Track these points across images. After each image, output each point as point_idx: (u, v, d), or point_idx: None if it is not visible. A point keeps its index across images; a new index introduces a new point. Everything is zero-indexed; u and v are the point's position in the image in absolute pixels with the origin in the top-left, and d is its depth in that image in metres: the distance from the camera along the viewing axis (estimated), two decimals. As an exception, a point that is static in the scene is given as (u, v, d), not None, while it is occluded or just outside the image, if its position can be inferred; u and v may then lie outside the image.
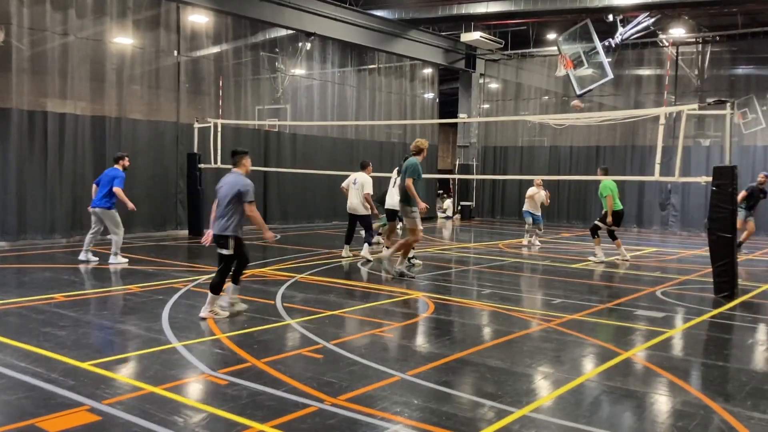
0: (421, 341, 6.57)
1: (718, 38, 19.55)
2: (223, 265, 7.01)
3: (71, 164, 13.35)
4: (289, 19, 16.82)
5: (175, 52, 15.47)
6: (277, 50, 18.29)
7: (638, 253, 14.00)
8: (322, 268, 10.71)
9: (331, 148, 19.31)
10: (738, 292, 8.95)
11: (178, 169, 15.41)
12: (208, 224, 7.47)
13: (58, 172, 13.14)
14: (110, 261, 10.43)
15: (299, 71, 18.97)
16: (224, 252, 6.95)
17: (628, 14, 18.36)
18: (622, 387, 5.04)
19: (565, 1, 17.73)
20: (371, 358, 5.60)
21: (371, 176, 12.01)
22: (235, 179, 6.98)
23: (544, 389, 5.04)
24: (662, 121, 9.76)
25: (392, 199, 11.35)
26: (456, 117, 23.03)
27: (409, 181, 9.48)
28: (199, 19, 16.01)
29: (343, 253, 11.95)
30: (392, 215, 11.50)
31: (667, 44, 19.97)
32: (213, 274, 7.10)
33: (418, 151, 9.83)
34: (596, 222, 12.50)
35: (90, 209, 10.59)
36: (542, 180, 15.24)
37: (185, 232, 15.33)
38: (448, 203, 24.68)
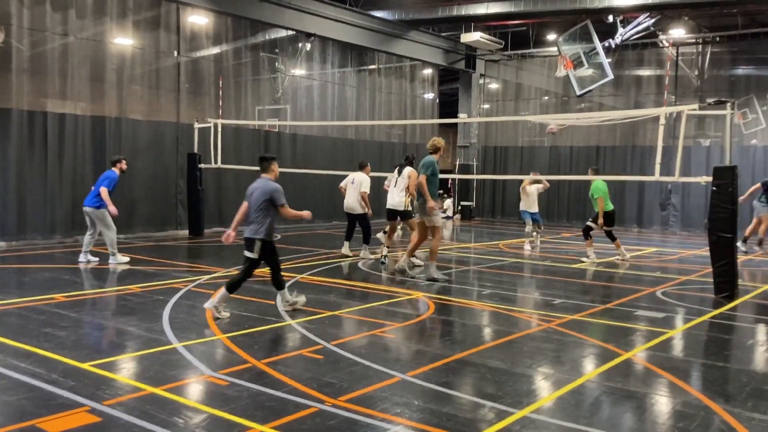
0: (421, 342, 6.57)
1: (718, 39, 19.55)
2: (246, 267, 7.10)
3: (71, 165, 13.35)
4: (289, 20, 16.82)
5: (175, 53, 15.47)
6: (277, 51, 18.29)
7: (638, 253, 14.00)
8: (322, 269, 10.71)
9: (331, 148, 19.31)
10: (738, 292, 8.95)
11: (179, 169, 15.42)
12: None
13: (58, 172, 13.14)
14: (110, 261, 10.44)
15: (299, 72, 18.97)
16: (250, 255, 7.05)
17: (628, 15, 18.36)
18: (622, 388, 5.04)
19: (565, 2, 17.72)
20: (372, 359, 5.60)
21: (370, 176, 12.01)
22: (265, 184, 7.11)
23: (545, 390, 5.04)
24: (662, 121, 9.77)
25: (392, 200, 11.35)
26: (456, 117, 23.02)
27: (422, 178, 9.45)
28: (199, 19, 16.01)
29: (343, 251, 11.94)
30: (393, 215, 11.49)
31: (667, 45, 19.98)
32: (235, 271, 7.19)
33: (435, 150, 9.85)
34: (588, 223, 12.44)
35: (83, 209, 10.62)
36: (537, 175, 14.80)
37: (185, 233, 15.33)
38: (448, 203, 24.68)
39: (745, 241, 13.28)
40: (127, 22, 14.45)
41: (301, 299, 7.50)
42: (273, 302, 7.83)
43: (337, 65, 19.70)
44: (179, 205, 15.51)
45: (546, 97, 23.29)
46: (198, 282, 9.11)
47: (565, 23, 19.44)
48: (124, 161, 10.81)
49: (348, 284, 9.46)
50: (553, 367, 5.58)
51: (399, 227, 13.85)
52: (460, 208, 23.95)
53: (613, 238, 12.42)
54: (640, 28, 18.58)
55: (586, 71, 18.84)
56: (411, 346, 6.33)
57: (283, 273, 7.49)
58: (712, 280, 9.09)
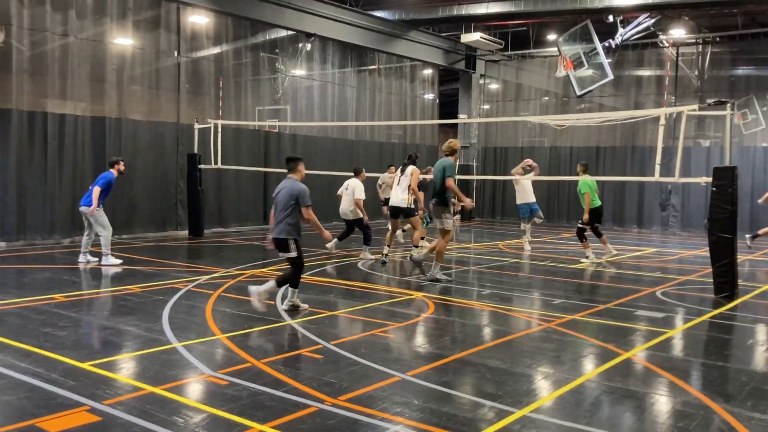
0: (421, 341, 6.57)
1: (718, 39, 19.54)
2: (294, 265, 7.27)
3: (71, 165, 13.35)
4: (289, 20, 16.82)
5: (176, 53, 15.47)
6: (277, 51, 18.29)
7: (638, 253, 14.00)
8: (322, 269, 10.71)
9: (331, 148, 19.31)
10: (738, 292, 8.95)
11: (179, 169, 15.41)
12: (264, 228, 7.77)
13: (58, 172, 13.14)
14: (102, 262, 10.40)
15: (299, 72, 18.97)
16: (288, 255, 7.21)
17: (628, 15, 18.35)
18: (622, 387, 5.04)
19: (565, 2, 17.72)
20: (371, 359, 5.60)
21: (366, 177, 11.99)
22: (291, 185, 7.22)
23: (545, 389, 5.04)
24: (662, 121, 9.77)
25: (396, 197, 11.36)
26: (456, 118, 23.02)
27: (450, 181, 9.48)
28: (199, 19, 16.01)
29: (328, 245, 11.77)
30: (396, 213, 11.49)
31: (667, 45, 19.98)
32: (287, 271, 7.38)
33: (452, 152, 9.84)
34: (579, 224, 12.39)
35: (79, 209, 10.61)
36: (527, 167, 14.53)
37: (185, 233, 15.33)
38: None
39: (754, 238, 13.06)
40: (127, 22, 14.45)
41: (304, 306, 7.50)
42: (273, 302, 7.83)
43: (337, 65, 19.70)
44: (179, 206, 15.51)
45: (546, 98, 23.28)
46: (198, 282, 9.11)
47: (565, 23, 19.44)
48: (122, 163, 10.79)
49: (348, 284, 9.46)
50: (553, 366, 5.58)
51: (404, 227, 13.85)
52: (460, 208, 23.92)
53: (599, 234, 12.25)
54: (640, 28, 18.58)
55: (586, 71, 18.84)
56: (411, 346, 6.33)
57: (282, 273, 7.50)
58: (712, 280, 9.09)
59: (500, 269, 11.41)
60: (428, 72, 23.16)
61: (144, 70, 15.03)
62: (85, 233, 10.65)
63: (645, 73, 21.01)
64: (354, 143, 20.20)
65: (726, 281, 8.83)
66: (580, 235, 12.34)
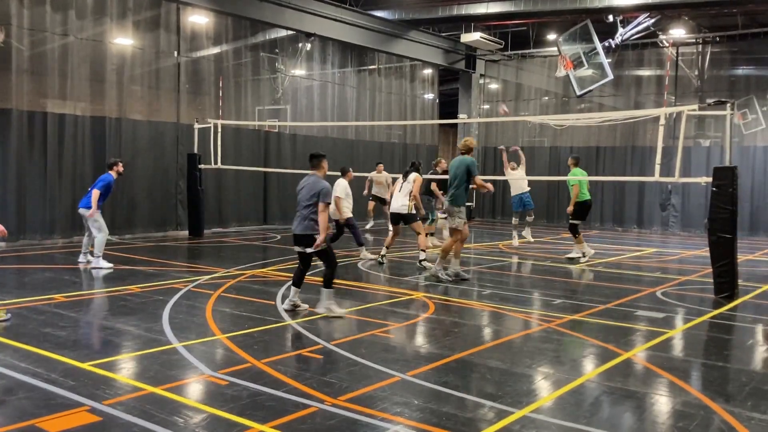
0: (421, 342, 6.57)
1: (718, 39, 19.54)
2: (327, 259, 7.28)
3: (71, 165, 13.35)
4: (289, 20, 16.81)
5: (175, 53, 15.47)
6: (277, 51, 18.29)
7: (638, 253, 14.01)
8: (322, 269, 10.68)
9: (331, 148, 19.24)
10: (738, 292, 8.95)
11: (178, 169, 15.41)
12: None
13: (57, 172, 13.14)
14: (92, 264, 10.15)
15: (299, 72, 18.97)
16: (317, 249, 7.21)
17: (628, 15, 18.35)
18: (622, 387, 5.04)
19: (565, 2, 17.71)
20: (371, 359, 5.60)
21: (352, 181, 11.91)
22: (315, 181, 7.32)
23: (545, 390, 5.04)
24: (662, 121, 9.77)
25: (396, 204, 11.37)
26: (456, 117, 23.02)
27: (478, 179, 9.72)
28: (199, 19, 16.01)
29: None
30: (396, 219, 11.49)
31: (667, 45, 19.97)
32: (324, 270, 7.30)
33: (468, 150, 9.93)
34: (571, 221, 12.34)
35: (78, 211, 10.56)
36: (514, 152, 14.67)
37: (185, 233, 15.33)
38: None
39: None
40: (127, 22, 14.45)
41: (304, 307, 7.49)
42: (273, 302, 7.84)
43: (337, 65, 19.70)
44: (179, 206, 15.51)
45: (546, 98, 23.28)
46: (198, 282, 9.11)
47: (565, 23, 19.43)
48: (120, 164, 10.73)
49: (348, 284, 9.45)
50: (553, 367, 5.58)
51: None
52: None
53: (575, 233, 12.11)
54: (640, 28, 18.57)
55: (586, 71, 18.83)
56: (411, 346, 6.33)
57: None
58: (712, 280, 9.09)
59: (500, 269, 11.41)
60: (428, 72, 23.16)
61: (144, 70, 15.03)
62: (86, 233, 10.64)
63: (645, 73, 21.00)
64: (354, 143, 20.20)
65: (726, 281, 8.83)
66: (573, 232, 12.25)
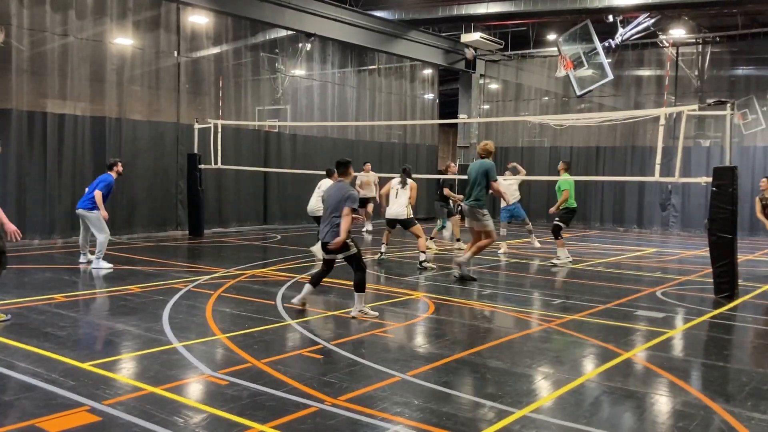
0: (421, 341, 6.57)
1: (718, 39, 19.54)
2: (356, 264, 7.27)
3: (71, 165, 13.34)
4: (289, 20, 16.82)
5: (175, 53, 15.47)
6: (277, 51, 18.28)
7: (638, 253, 14.00)
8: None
9: (331, 148, 19.29)
10: (738, 292, 8.95)
11: (179, 169, 15.41)
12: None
13: (57, 172, 13.13)
14: (92, 264, 10.19)
15: (299, 72, 18.96)
16: (348, 253, 7.23)
17: (628, 15, 18.35)
18: (622, 387, 5.04)
19: (565, 2, 17.71)
20: (371, 359, 5.60)
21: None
22: (341, 187, 7.34)
23: (545, 390, 5.04)
24: (662, 121, 9.77)
25: (391, 209, 11.41)
26: (456, 117, 23.02)
27: (495, 184, 9.71)
28: (199, 19, 16.01)
29: (314, 249, 11.70)
30: (392, 224, 11.54)
31: (667, 45, 19.97)
32: (356, 275, 7.25)
33: (488, 153, 9.95)
34: (555, 221, 12.36)
35: (77, 211, 10.54)
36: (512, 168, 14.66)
37: (185, 233, 15.33)
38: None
39: None
40: (127, 22, 14.45)
41: (304, 303, 7.53)
42: (273, 302, 7.84)
43: (337, 65, 19.70)
44: (179, 206, 15.51)
45: (546, 98, 23.27)
46: (198, 282, 9.11)
47: (565, 23, 19.43)
48: (120, 164, 10.73)
49: (348, 284, 9.43)
50: (553, 367, 5.58)
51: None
52: (460, 209, 23.91)
53: (557, 237, 12.13)
54: (640, 28, 18.57)
55: (586, 71, 18.83)
56: (411, 346, 6.33)
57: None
58: (712, 280, 9.09)
59: (500, 269, 11.40)
60: (428, 72, 23.16)
61: (144, 70, 15.02)
62: (81, 233, 10.62)
63: (645, 73, 21.00)
64: (354, 143, 20.19)
65: (726, 281, 8.83)
66: (555, 233, 12.26)
